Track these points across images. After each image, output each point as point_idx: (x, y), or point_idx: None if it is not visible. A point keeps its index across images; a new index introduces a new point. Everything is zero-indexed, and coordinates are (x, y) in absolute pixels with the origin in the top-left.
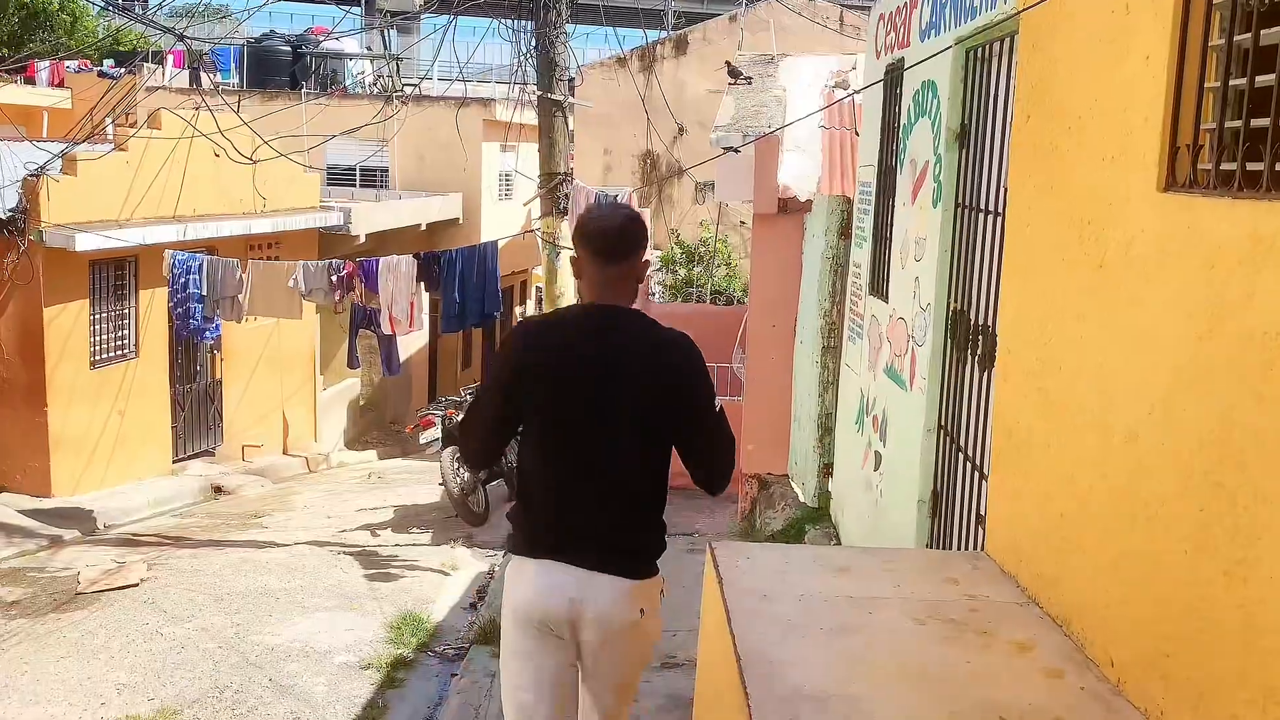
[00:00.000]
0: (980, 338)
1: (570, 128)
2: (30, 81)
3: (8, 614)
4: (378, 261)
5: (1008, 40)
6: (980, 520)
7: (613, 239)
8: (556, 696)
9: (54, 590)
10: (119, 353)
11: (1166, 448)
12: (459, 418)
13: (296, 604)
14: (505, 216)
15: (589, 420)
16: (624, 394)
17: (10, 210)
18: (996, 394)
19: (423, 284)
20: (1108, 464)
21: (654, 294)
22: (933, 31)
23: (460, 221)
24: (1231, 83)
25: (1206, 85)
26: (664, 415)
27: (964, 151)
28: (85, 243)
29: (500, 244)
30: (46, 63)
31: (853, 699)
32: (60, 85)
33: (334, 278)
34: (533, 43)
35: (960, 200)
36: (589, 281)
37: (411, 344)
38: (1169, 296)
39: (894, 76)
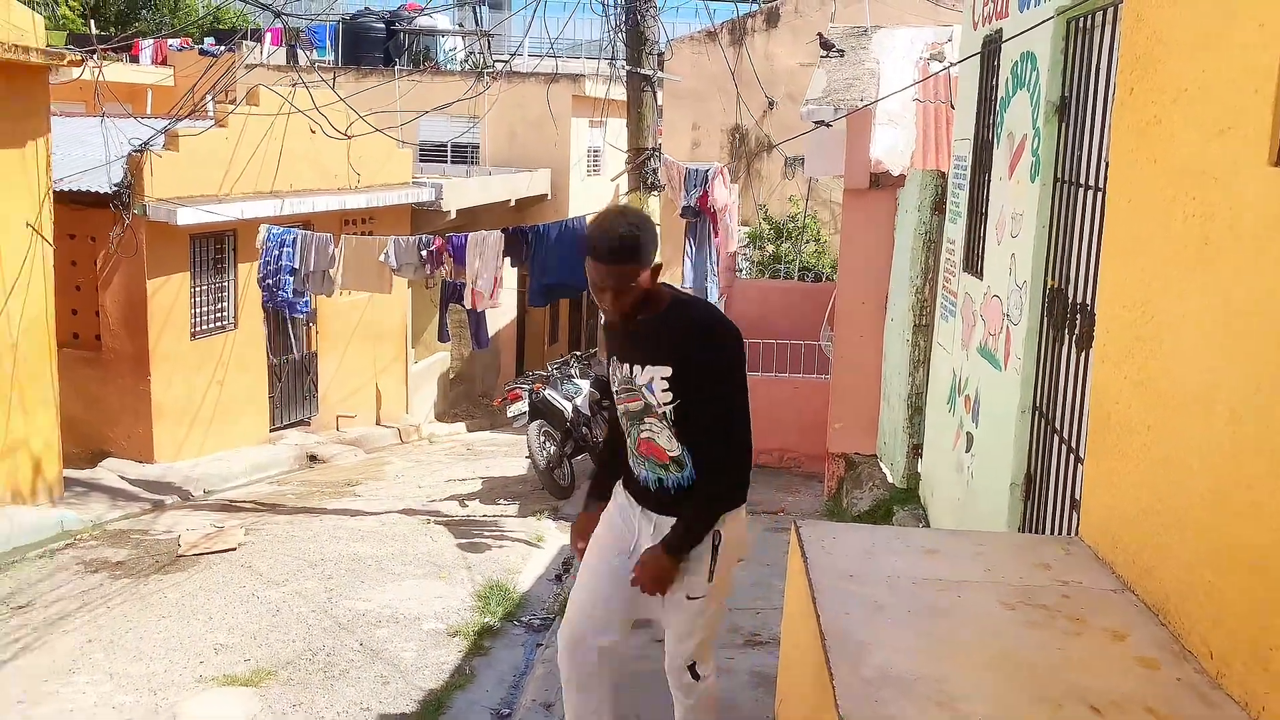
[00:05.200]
0: (1078, 316)
1: (659, 103)
2: (135, 60)
3: (113, 574)
4: (466, 236)
5: (1110, 10)
6: (1075, 505)
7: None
8: None
9: (156, 552)
10: (218, 324)
11: (1271, 430)
12: (546, 391)
13: (387, 571)
14: (593, 192)
15: None
16: None
17: (116, 185)
18: (1094, 374)
19: (508, 259)
20: (1209, 447)
21: (741, 270)
22: (1032, 2)
23: (548, 197)
24: None
25: None
26: None
27: (1064, 125)
28: (186, 217)
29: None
30: (150, 41)
31: (938, 682)
32: (163, 63)
33: (423, 253)
34: (622, 17)
35: (1059, 175)
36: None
37: (500, 319)
38: (1278, 273)
39: (991, 48)
